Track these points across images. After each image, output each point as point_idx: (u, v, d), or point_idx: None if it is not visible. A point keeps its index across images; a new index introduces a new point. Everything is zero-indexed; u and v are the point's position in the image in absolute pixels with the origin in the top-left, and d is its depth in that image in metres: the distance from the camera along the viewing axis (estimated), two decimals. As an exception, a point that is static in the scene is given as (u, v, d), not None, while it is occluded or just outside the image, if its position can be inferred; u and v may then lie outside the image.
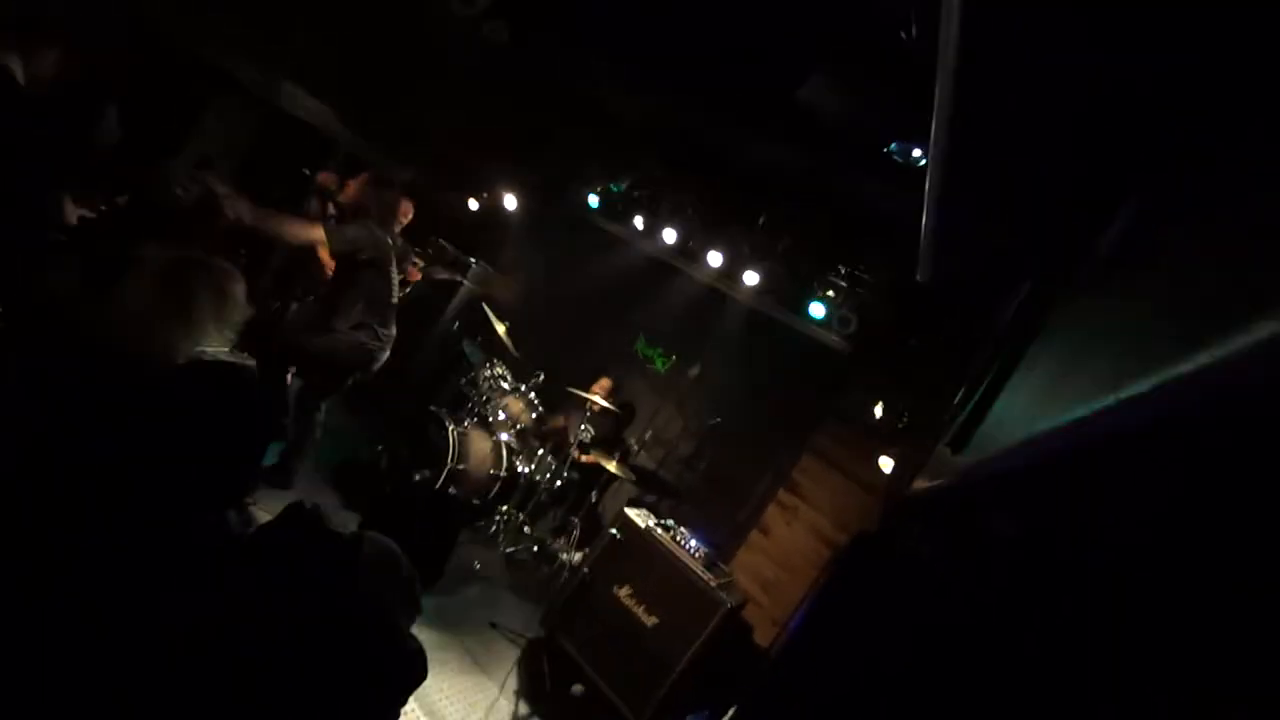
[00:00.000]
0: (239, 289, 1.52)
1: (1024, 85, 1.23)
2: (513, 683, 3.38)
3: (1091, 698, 0.85)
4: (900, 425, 4.05)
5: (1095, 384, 0.43)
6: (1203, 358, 0.28)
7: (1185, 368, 0.28)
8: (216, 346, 1.46)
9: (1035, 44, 1.17)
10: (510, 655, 3.58)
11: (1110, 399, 0.36)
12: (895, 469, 3.82)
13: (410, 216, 4.43)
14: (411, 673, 1.40)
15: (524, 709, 3.26)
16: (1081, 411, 0.41)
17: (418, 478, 4.32)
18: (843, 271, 4.37)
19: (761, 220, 4.70)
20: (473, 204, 5.83)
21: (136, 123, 3.64)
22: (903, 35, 2.28)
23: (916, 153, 3.13)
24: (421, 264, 4.39)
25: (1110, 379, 0.39)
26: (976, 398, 1.68)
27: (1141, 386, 0.32)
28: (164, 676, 1.10)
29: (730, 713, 2.99)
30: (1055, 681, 0.94)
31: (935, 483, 1.64)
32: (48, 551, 1.13)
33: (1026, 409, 0.88)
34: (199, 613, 1.17)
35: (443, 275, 4.98)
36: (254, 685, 1.14)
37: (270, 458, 3.61)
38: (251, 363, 1.53)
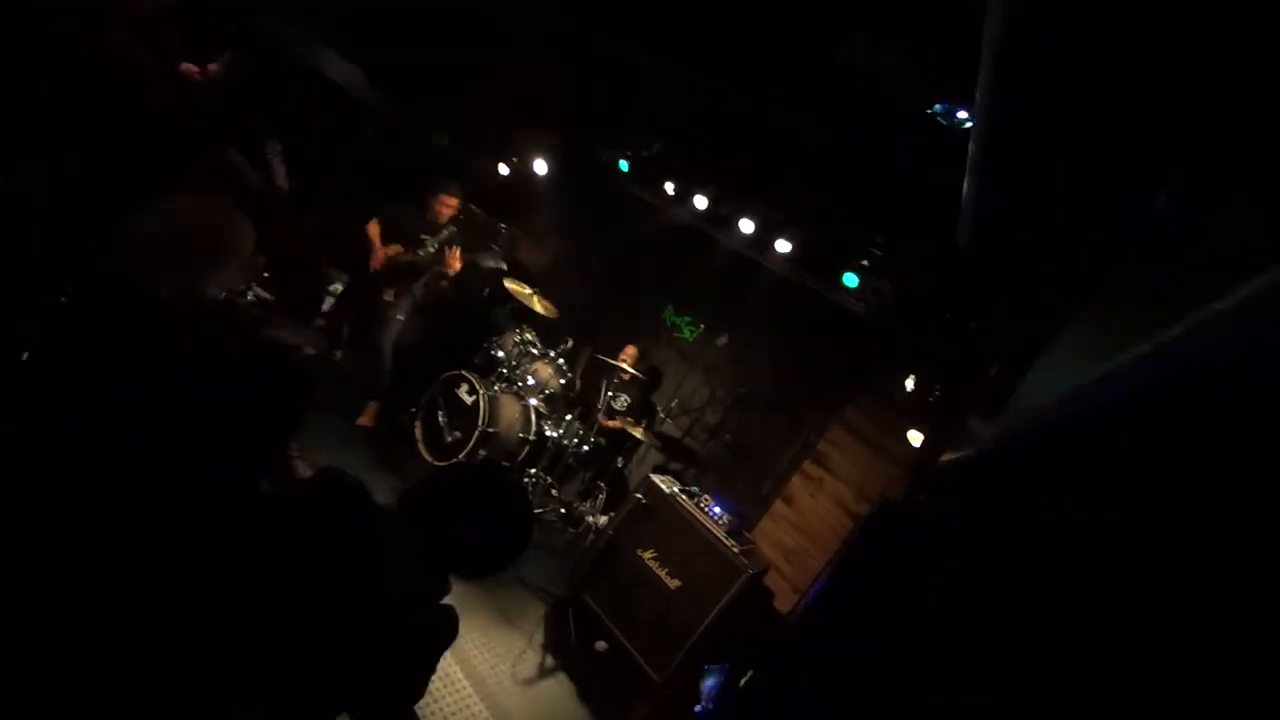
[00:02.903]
0: (247, 228, 1.54)
1: (1073, 40, 1.18)
2: (539, 637, 3.50)
3: (1122, 663, 0.85)
4: (931, 399, 3.99)
5: (1131, 335, 0.42)
6: (1236, 297, 0.27)
7: (1220, 306, 0.28)
8: (230, 283, 1.50)
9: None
10: (538, 611, 3.70)
11: (1146, 346, 0.35)
12: (925, 442, 3.77)
13: (452, 209, 4.35)
14: (443, 633, 1.45)
15: (550, 661, 3.38)
16: (1119, 362, 0.41)
17: (449, 439, 4.44)
18: (878, 240, 4.26)
19: (795, 187, 4.59)
20: (503, 169, 5.82)
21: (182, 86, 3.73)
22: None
23: (962, 114, 3.00)
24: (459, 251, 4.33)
25: (1147, 329, 0.38)
26: (1013, 366, 1.65)
27: (1176, 330, 0.32)
28: (194, 636, 1.13)
29: (748, 674, 3.06)
30: (1082, 640, 0.94)
31: (967, 452, 1.62)
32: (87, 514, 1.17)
33: (1064, 373, 0.86)
34: (227, 572, 1.20)
35: (489, 264, 4.90)
36: (293, 645, 1.18)
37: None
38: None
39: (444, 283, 4.44)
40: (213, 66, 3.41)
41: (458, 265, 4.30)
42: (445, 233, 4.31)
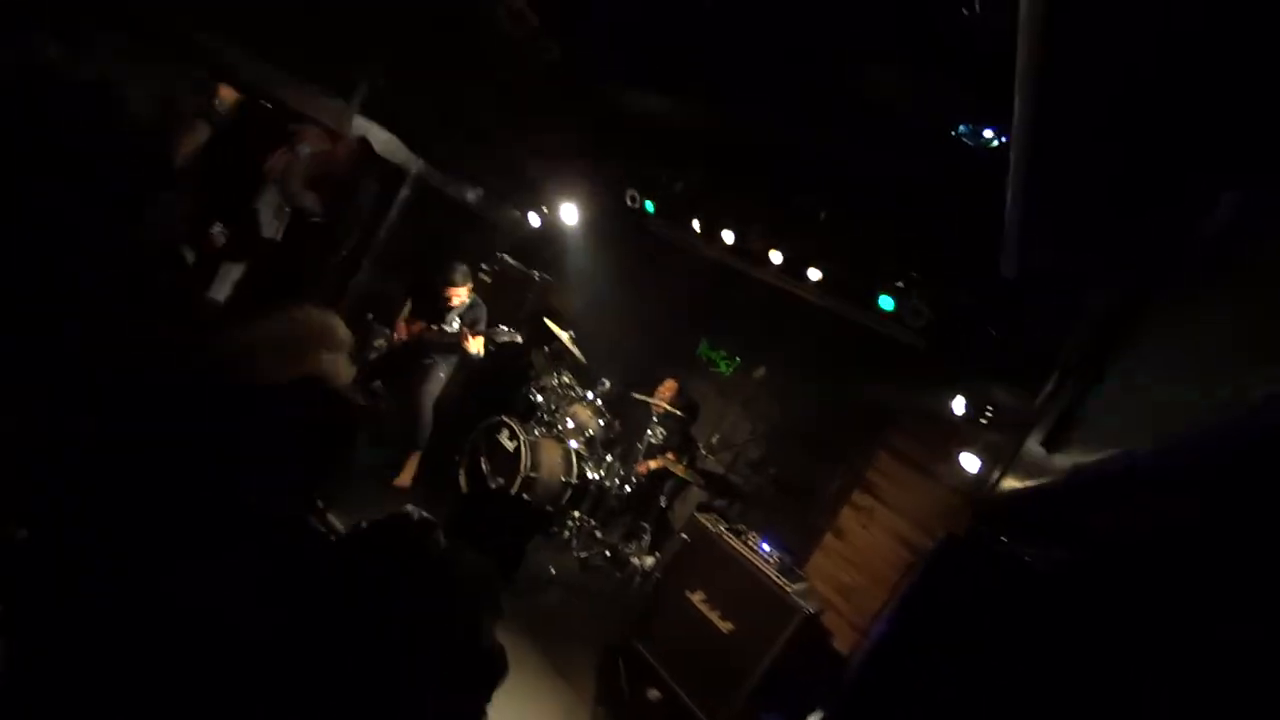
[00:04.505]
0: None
1: (1116, 58, 1.16)
2: (590, 687, 3.42)
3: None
4: (983, 420, 3.86)
5: (1244, 376, 0.39)
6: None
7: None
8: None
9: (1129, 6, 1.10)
10: (586, 660, 3.63)
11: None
12: (982, 469, 3.64)
13: (460, 298, 4.43)
14: (494, 669, 1.45)
15: (601, 713, 3.29)
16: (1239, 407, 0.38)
17: (493, 485, 4.46)
18: (911, 262, 4.20)
19: (823, 215, 4.58)
20: (534, 218, 5.98)
21: (228, 158, 4.00)
22: (965, 11, 2.18)
23: (988, 133, 2.98)
24: (476, 329, 4.42)
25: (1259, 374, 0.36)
26: (1071, 393, 1.58)
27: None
28: (253, 666, 1.15)
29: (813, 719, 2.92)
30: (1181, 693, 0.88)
31: (1032, 482, 1.55)
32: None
33: (1142, 405, 0.82)
34: (288, 608, 1.22)
35: (504, 338, 4.97)
36: (346, 680, 1.19)
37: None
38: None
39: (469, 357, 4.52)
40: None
41: (476, 349, 4.31)
42: (469, 301, 4.40)
